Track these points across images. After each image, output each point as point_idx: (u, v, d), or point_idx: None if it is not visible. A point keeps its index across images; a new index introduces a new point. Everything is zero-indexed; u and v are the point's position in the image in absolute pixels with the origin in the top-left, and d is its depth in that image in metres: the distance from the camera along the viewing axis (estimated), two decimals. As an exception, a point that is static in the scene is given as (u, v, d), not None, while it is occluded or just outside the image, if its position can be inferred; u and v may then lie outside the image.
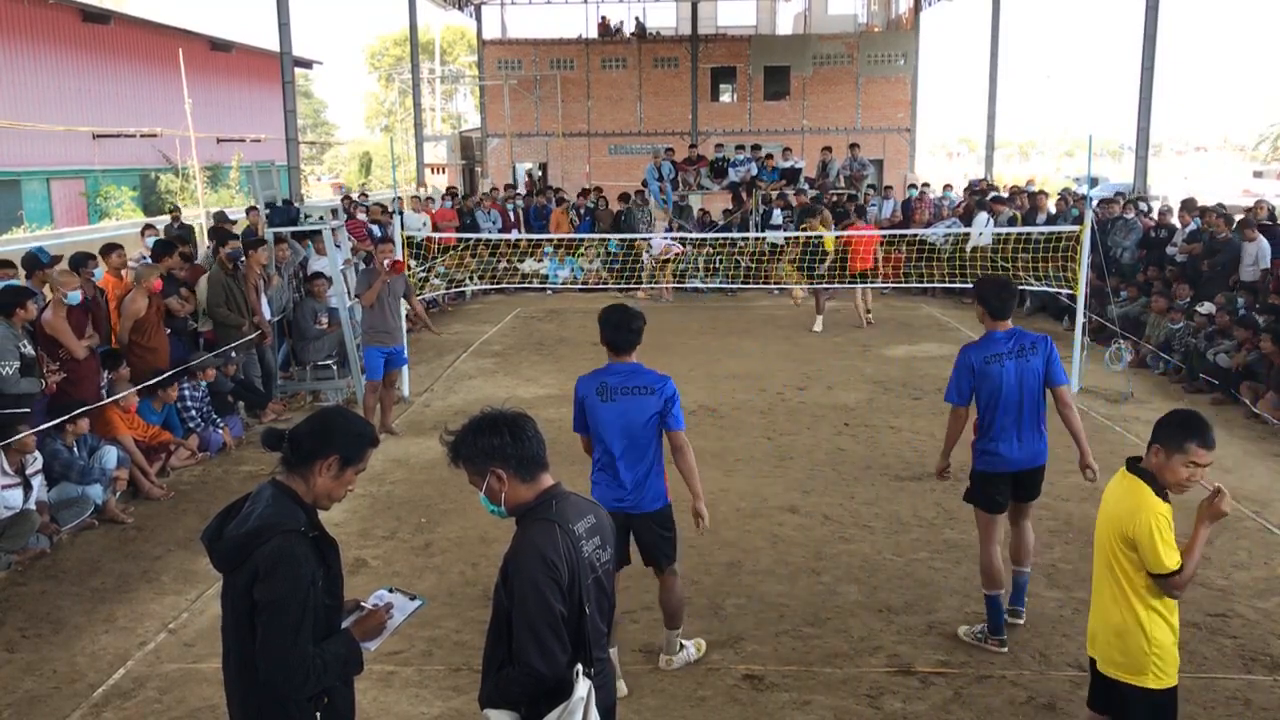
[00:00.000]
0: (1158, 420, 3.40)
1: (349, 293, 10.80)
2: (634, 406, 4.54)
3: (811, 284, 14.20)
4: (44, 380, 7.12)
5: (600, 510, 2.96)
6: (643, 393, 4.55)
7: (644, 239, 16.62)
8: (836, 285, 13.89)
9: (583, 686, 2.67)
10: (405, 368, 10.53)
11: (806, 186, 19.58)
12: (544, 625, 2.64)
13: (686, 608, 5.13)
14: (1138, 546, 3.27)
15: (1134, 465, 3.40)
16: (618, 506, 4.55)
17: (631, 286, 16.59)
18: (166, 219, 16.13)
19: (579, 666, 2.69)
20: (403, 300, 9.34)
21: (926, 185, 20.26)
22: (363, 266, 10.74)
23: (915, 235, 15.45)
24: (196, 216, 19.39)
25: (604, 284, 16.68)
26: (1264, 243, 11.62)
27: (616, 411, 4.54)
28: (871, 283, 14.05)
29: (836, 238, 13.78)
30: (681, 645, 5.04)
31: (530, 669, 2.65)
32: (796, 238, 15.10)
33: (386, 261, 8.91)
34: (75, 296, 7.52)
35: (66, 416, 7.00)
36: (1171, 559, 3.24)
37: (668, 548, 4.78)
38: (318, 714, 2.74)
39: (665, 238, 16.53)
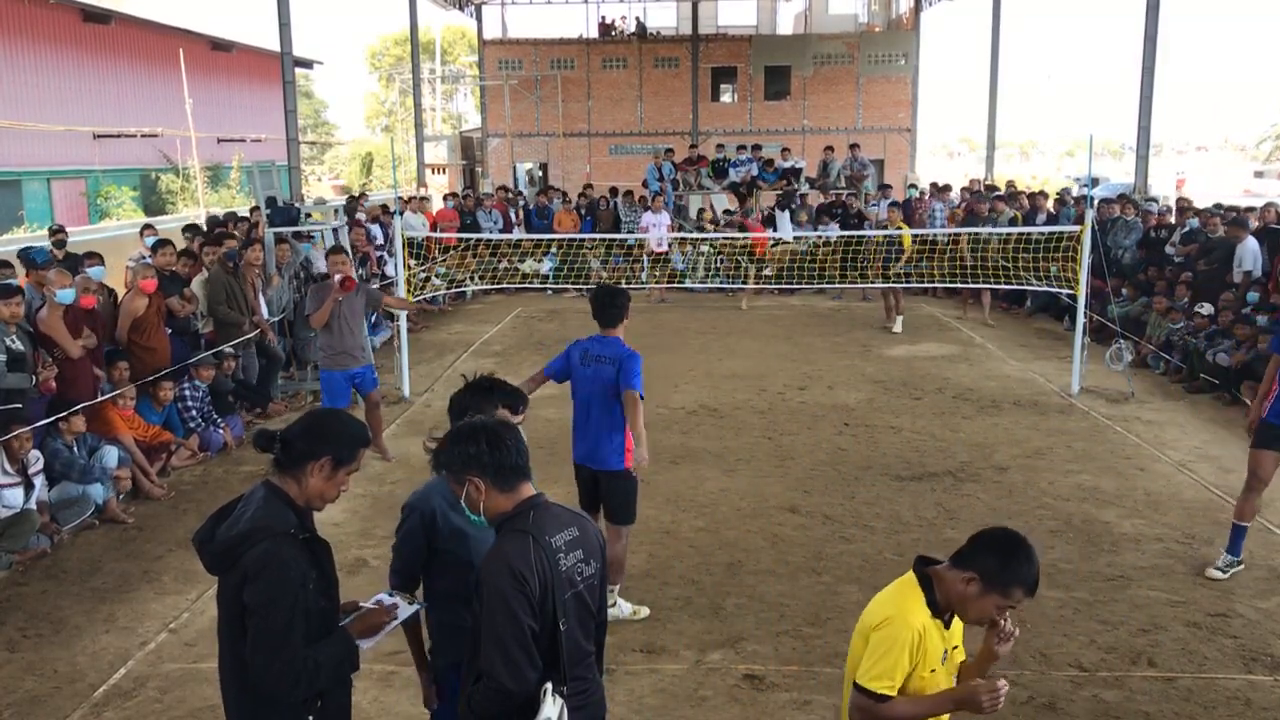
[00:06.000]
0: (976, 539, 2.70)
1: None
2: (600, 374, 5.17)
3: (888, 283, 13.89)
4: (35, 376, 6.97)
5: (586, 523, 2.85)
6: (607, 363, 5.16)
7: (644, 237, 16.60)
8: (910, 285, 13.73)
9: (551, 706, 2.57)
10: (406, 369, 10.55)
11: (807, 187, 19.56)
12: (510, 639, 2.56)
13: (683, 604, 5.17)
14: (866, 648, 2.68)
15: (921, 566, 2.77)
16: (585, 461, 5.32)
17: (634, 287, 16.55)
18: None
19: (548, 685, 2.60)
20: (367, 313, 8.41)
21: (914, 186, 20.32)
22: (313, 283, 9.72)
23: (909, 234, 15.42)
24: (197, 215, 19.39)
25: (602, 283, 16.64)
26: (1252, 243, 11.58)
27: (588, 376, 5.22)
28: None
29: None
30: (615, 601, 5.41)
31: (497, 684, 2.57)
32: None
33: (337, 277, 8.10)
34: (66, 295, 7.40)
35: (58, 415, 6.99)
36: (884, 682, 2.59)
37: (622, 508, 5.36)
38: (309, 717, 2.73)
39: (664, 236, 16.43)
